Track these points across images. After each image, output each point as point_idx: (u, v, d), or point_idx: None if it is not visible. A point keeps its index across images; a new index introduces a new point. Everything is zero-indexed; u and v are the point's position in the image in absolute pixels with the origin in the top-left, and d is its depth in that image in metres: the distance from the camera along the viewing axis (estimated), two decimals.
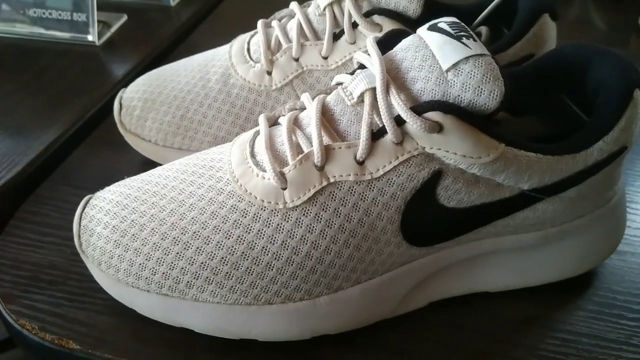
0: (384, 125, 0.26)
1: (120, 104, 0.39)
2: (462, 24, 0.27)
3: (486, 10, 0.39)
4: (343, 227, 0.27)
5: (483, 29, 0.40)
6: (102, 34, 0.55)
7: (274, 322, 0.28)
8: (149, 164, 0.37)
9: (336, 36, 0.36)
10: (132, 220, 0.28)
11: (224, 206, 0.27)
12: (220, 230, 0.27)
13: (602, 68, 0.29)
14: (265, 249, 0.27)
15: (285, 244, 0.27)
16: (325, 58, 0.36)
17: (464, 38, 0.26)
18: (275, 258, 0.27)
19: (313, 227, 0.27)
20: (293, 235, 0.27)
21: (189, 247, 0.27)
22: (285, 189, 0.27)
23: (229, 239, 0.27)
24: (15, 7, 0.53)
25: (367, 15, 0.35)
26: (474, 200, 0.27)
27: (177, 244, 0.27)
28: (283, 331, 0.28)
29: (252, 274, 0.27)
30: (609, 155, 0.28)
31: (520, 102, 0.33)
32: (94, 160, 0.42)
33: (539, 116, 0.33)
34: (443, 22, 0.27)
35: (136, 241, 0.28)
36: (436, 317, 0.31)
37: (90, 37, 0.53)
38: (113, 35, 0.56)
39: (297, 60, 0.36)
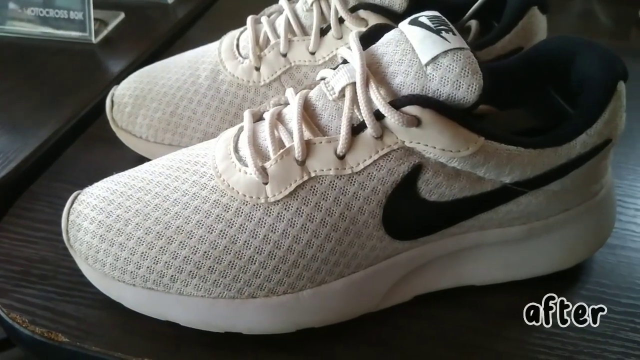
0: (364, 120, 0.26)
1: (112, 101, 0.39)
2: (443, 17, 0.27)
3: (476, 4, 0.39)
4: (325, 221, 0.27)
5: (473, 23, 0.39)
6: (99, 32, 0.55)
7: (257, 315, 0.28)
8: (141, 161, 0.37)
9: (323, 31, 0.36)
10: (118, 215, 0.29)
11: (207, 201, 0.28)
12: (203, 225, 0.27)
13: (586, 60, 0.29)
14: (248, 243, 0.27)
15: (267, 238, 0.27)
16: (313, 53, 0.36)
17: (443, 32, 0.26)
18: (258, 252, 0.27)
19: (295, 221, 0.27)
20: (275, 229, 0.27)
21: (172, 241, 0.27)
22: (266, 183, 0.27)
23: (211, 233, 0.27)
24: (20, 6, 0.54)
25: (353, 10, 0.35)
26: (455, 194, 0.27)
27: (161, 239, 0.28)
28: (267, 324, 0.29)
29: (235, 268, 0.27)
30: (592, 148, 0.28)
31: (508, 95, 0.33)
32: (87, 157, 0.42)
33: (527, 109, 0.33)
34: (424, 16, 0.27)
35: (121, 236, 0.28)
36: (421, 310, 0.31)
37: (87, 35, 0.54)
38: (110, 33, 0.57)
39: (284, 55, 0.36)
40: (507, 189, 0.28)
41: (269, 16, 0.39)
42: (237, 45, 0.38)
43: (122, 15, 0.59)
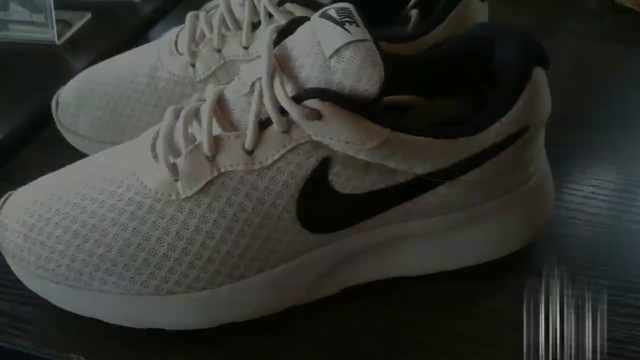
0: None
1: (57, 102, 0.40)
2: (350, 9, 0.27)
3: None
4: (237, 217, 0.27)
5: (413, 12, 0.39)
6: (62, 33, 0.56)
7: (178, 311, 0.29)
8: None
9: (255, 25, 0.36)
10: (40, 215, 0.29)
11: (122, 199, 0.28)
12: (117, 223, 0.28)
13: (503, 47, 0.29)
14: (161, 240, 0.27)
15: (180, 235, 0.27)
16: (246, 48, 0.36)
17: (347, 24, 0.26)
18: (171, 249, 0.27)
19: (207, 217, 0.27)
20: (187, 225, 0.27)
21: (88, 239, 0.28)
22: (177, 180, 0.27)
23: (125, 231, 0.28)
24: None
25: (281, 3, 0.34)
26: (368, 186, 0.27)
27: (78, 237, 0.28)
28: (188, 320, 0.29)
29: (150, 265, 0.28)
30: (508, 136, 0.28)
31: (435, 85, 0.32)
32: (40, 158, 0.43)
33: (454, 99, 0.32)
34: (332, 8, 0.27)
35: (42, 235, 0.29)
36: (351, 303, 0.31)
37: (49, 37, 0.54)
38: (75, 34, 0.57)
39: (219, 51, 0.36)
40: (422, 180, 0.28)
41: (207, 12, 0.39)
42: (176, 42, 0.38)
43: (88, 16, 0.59)
